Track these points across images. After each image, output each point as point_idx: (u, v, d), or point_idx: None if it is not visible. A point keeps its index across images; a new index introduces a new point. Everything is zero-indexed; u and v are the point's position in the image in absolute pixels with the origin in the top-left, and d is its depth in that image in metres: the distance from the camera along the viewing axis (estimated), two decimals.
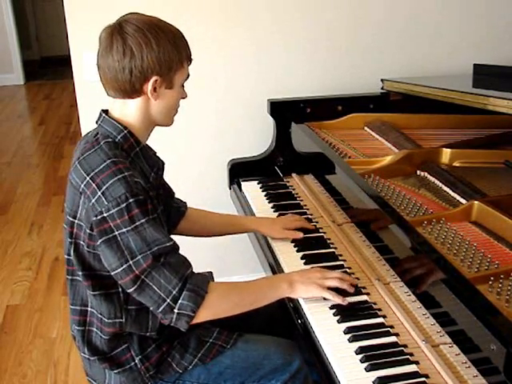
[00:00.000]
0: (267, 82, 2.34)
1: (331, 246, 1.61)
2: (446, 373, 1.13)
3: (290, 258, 1.57)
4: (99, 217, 1.20)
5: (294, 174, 2.09)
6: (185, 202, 1.65)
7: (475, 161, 1.78)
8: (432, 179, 1.69)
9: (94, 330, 1.34)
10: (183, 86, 1.35)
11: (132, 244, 1.19)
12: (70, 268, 1.34)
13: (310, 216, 1.78)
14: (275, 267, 1.56)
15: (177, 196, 1.63)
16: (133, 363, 1.34)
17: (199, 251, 2.53)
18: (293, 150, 2.12)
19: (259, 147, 2.24)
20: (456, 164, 1.78)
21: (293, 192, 1.97)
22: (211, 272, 1.79)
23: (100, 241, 1.21)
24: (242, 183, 2.09)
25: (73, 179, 1.27)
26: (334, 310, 1.32)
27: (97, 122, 1.33)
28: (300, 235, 1.64)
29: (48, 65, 7.90)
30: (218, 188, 2.31)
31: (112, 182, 1.19)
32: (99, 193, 1.20)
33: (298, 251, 1.59)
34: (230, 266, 2.53)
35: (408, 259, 1.36)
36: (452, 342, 1.18)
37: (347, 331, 1.26)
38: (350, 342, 1.23)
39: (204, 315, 1.24)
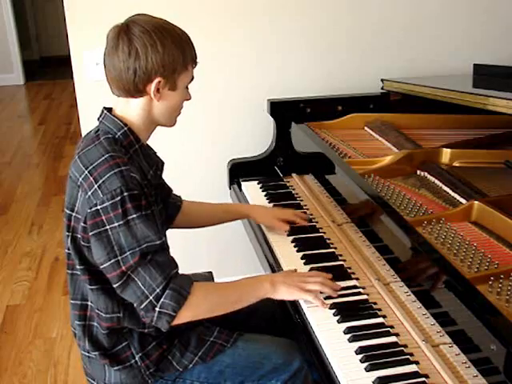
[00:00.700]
0: (267, 82, 2.34)
1: (331, 246, 1.62)
2: (446, 373, 1.13)
3: (290, 258, 1.57)
4: (93, 209, 1.21)
5: (293, 174, 2.10)
6: (179, 196, 1.65)
7: (475, 161, 1.78)
8: (432, 179, 1.69)
9: (95, 324, 1.35)
10: (187, 88, 1.36)
11: (122, 240, 1.20)
12: (70, 262, 1.35)
13: (310, 216, 1.77)
14: (275, 267, 1.56)
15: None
16: (133, 360, 1.35)
17: (199, 251, 2.54)
18: (293, 150, 2.12)
19: (259, 147, 2.24)
20: (456, 164, 1.78)
21: (293, 192, 1.97)
22: (211, 272, 1.80)
23: (91, 233, 1.22)
24: (241, 183, 2.10)
25: (72, 173, 1.29)
26: (334, 310, 1.32)
27: (98, 119, 1.34)
28: (286, 228, 1.67)
29: (48, 65, 7.90)
30: (218, 188, 2.31)
31: (109, 176, 1.21)
32: (96, 186, 1.21)
33: (298, 251, 1.59)
34: (229, 265, 2.53)
35: (408, 259, 1.36)
36: (452, 342, 1.18)
37: (347, 331, 1.26)
38: (349, 341, 1.23)
39: (185, 316, 1.25)
